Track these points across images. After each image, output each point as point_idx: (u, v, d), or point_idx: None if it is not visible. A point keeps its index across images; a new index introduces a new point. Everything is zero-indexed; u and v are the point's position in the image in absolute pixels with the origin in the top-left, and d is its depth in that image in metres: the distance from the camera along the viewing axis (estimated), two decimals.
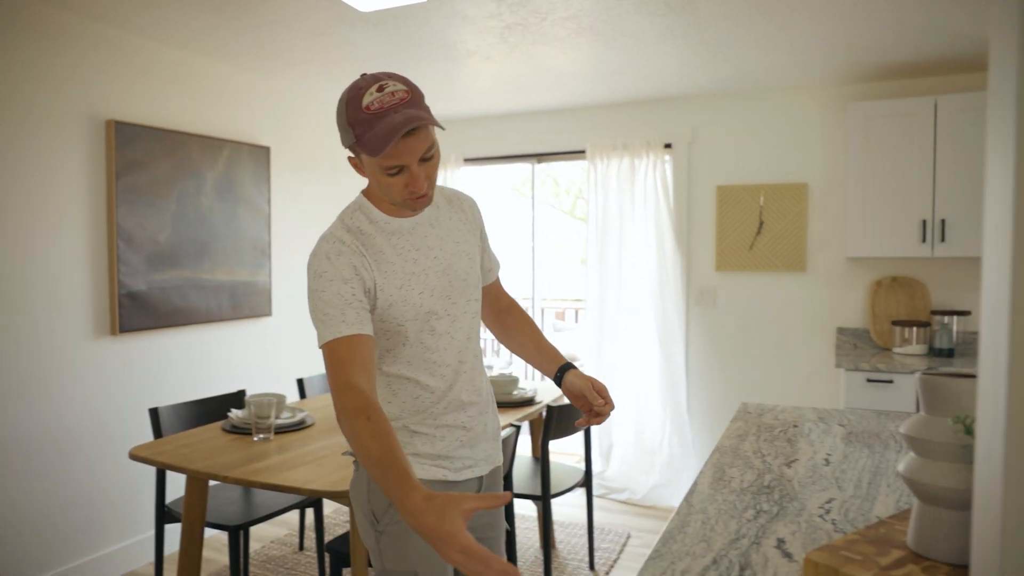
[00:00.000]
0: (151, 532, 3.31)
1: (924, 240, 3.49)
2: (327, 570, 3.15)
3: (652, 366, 4.27)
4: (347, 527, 3.69)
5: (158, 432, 2.72)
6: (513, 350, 1.79)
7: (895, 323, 3.64)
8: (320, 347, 1.36)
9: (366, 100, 1.33)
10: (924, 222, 3.49)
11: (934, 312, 3.62)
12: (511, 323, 1.78)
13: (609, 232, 4.36)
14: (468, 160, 4.88)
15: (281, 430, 2.58)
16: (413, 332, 1.47)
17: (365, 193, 1.50)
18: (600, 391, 1.64)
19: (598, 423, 1.65)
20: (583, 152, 4.54)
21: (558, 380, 1.68)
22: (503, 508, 1.74)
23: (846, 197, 3.83)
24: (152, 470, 3.32)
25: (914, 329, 3.60)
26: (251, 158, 3.75)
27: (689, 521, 1.32)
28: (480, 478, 1.59)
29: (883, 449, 1.80)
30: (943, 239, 3.46)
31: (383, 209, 1.48)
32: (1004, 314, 0.55)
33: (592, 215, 4.41)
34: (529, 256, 5.02)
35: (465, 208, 1.62)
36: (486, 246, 1.71)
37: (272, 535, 3.59)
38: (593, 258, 4.41)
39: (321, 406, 3.01)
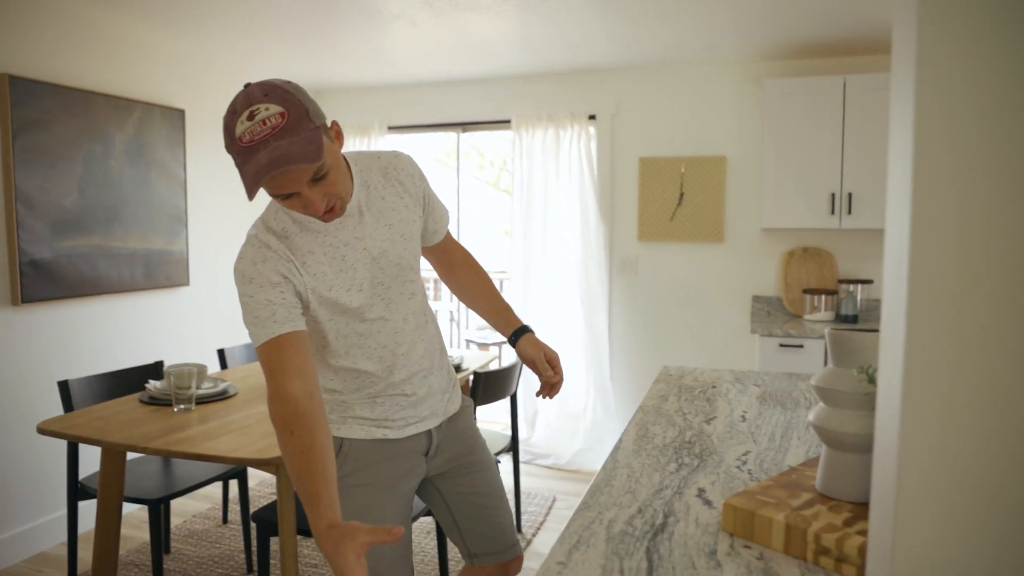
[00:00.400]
0: (62, 511, 3.17)
1: (833, 212, 3.67)
2: (253, 541, 3.11)
3: (576, 335, 4.35)
4: (272, 498, 3.63)
5: (69, 406, 2.60)
6: (468, 306, 1.80)
7: (805, 291, 3.84)
8: (255, 349, 1.34)
9: (238, 130, 1.21)
10: (833, 195, 3.67)
11: (841, 281, 3.83)
12: (465, 280, 1.77)
13: (534, 202, 4.40)
14: (392, 128, 4.81)
15: (203, 400, 2.51)
16: (344, 324, 1.46)
17: None
18: (551, 360, 1.68)
19: (551, 395, 1.69)
20: (508, 122, 4.54)
21: (512, 342, 1.72)
22: (495, 472, 1.74)
23: (761, 170, 3.98)
24: (62, 446, 3.18)
25: (823, 297, 3.80)
26: (164, 121, 3.58)
27: (615, 475, 1.37)
28: (428, 432, 1.60)
29: (794, 407, 1.91)
30: (850, 211, 3.65)
31: None
32: (903, 272, 0.59)
33: (517, 185, 4.43)
34: (454, 227, 5.00)
35: (403, 178, 1.53)
36: (433, 207, 1.62)
37: (194, 509, 3.50)
38: (518, 228, 4.44)
39: (244, 376, 2.94)
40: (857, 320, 3.74)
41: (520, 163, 4.41)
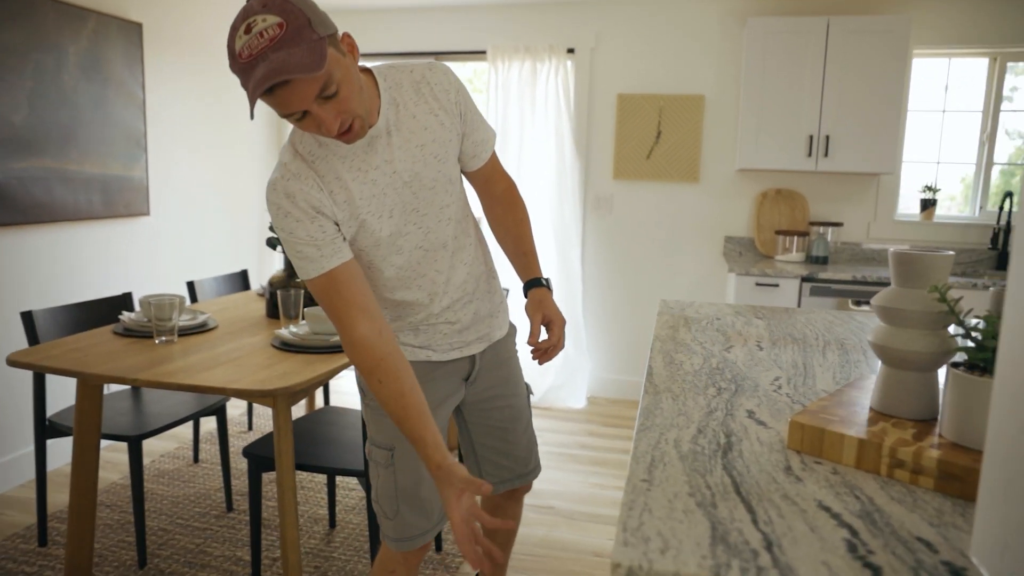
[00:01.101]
0: (24, 450, 3.01)
1: (810, 155, 3.70)
2: (232, 479, 3.03)
3: (549, 271, 4.33)
4: (246, 439, 3.54)
5: (33, 338, 2.43)
6: (499, 244, 1.71)
7: (778, 232, 3.89)
8: (305, 282, 1.31)
9: (237, 45, 1.13)
10: (811, 137, 3.69)
11: (812, 223, 3.89)
12: (498, 215, 1.66)
13: (509, 136, 4.29)
14: (363, 55, 4.58)
15: (183, 333, 2.39)
16: (380, 256, 1.39)
17: None
18: (550, 324, 1.58)
19: (539, 360, 1.58)
20: (484, 53, 4.39)
21: (525, 293, 1.65)
22: (524, 401, 1.72)
23: (739, 111, 3.97)
24: (23, 381, 2.99)
25: (794, 238, 3.86)
26: (121, 35, 3.30)
27: (660, 399, 1.35)
28: (472, 357, 1.56)
29: (803, 339, 1.93)
30: (826, 154, 3.69)
31: None
32: None
33: (491, 118, 4.31)
34: None
35: (438, 93, 1.40)
36: (474, 127, 1.49)
37: (161, 449, 3.38)
38: None
39: (218, 309, 2.81)
40: (828, 261, 3.82)
41: (496, 96, 4.28)
